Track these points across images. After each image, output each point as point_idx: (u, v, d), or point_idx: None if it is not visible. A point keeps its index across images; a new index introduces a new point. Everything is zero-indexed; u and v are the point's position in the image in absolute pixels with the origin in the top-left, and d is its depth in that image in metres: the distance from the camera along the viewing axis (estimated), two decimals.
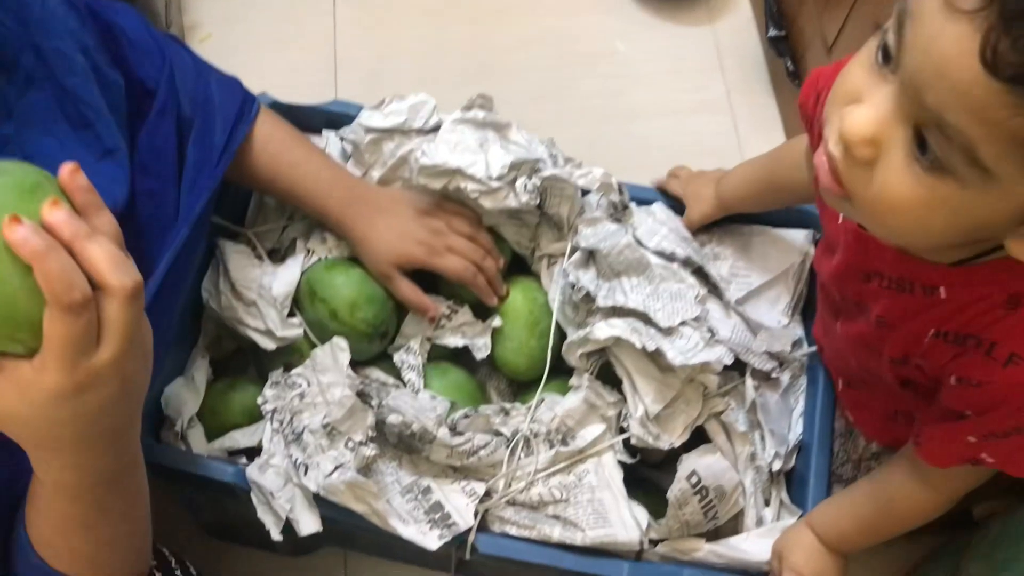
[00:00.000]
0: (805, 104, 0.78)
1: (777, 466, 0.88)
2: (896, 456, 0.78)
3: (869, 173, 0.55)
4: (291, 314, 0.91)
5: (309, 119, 0.99)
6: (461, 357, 0.97)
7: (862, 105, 0.55)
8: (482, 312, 0.95)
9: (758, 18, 1.47)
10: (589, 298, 0.87)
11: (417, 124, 0.93)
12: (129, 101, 0.75)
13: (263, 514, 0.81)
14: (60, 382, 0.46)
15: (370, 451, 0.80)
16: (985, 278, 0.62)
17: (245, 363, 0.96)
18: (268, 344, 0.90)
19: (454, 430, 0.85)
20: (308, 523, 0.80)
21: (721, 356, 0.84)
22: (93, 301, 0.46)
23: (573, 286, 0.88)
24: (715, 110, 1.40)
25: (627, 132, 1.36)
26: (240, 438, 0.87)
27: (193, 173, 0.80)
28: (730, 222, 1.02)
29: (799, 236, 1.01)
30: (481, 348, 0.93)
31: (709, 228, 1.02)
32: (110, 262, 0.47)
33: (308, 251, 0.93)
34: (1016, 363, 0.62)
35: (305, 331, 0.90)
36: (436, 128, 0.92)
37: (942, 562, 0.95)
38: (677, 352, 0.83)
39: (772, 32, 1.36)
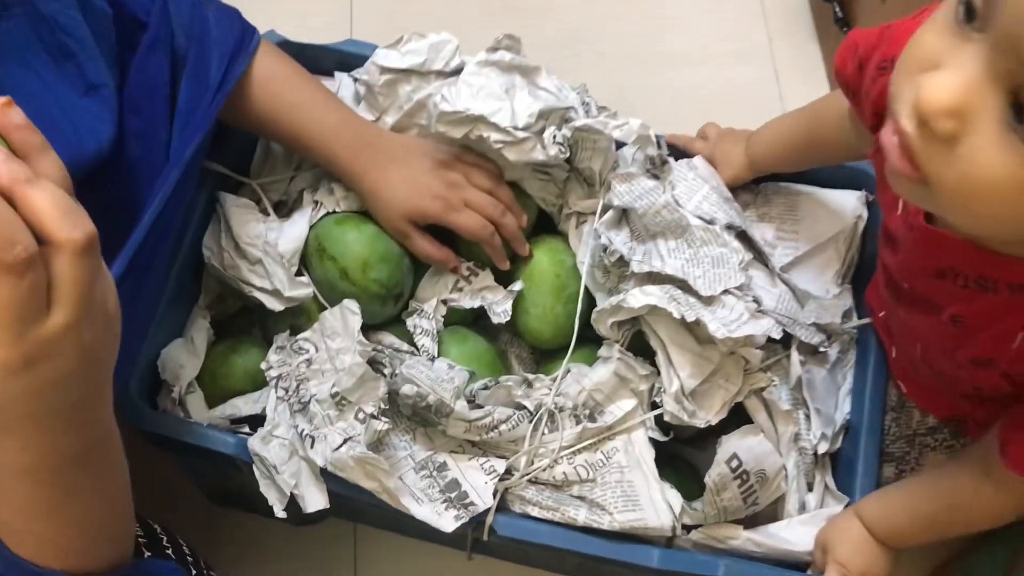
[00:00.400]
0: (843, 71, 0.70)
1: (823, 448, 0.81)
2: (965, 455, 0.71)
3: (951, 151, 0.47)
4: (299, 273, 0.84)
5: (320, 60, 0.91)
6: (480, 323, 0.90)
7: (942, 71, 0.47)
8: (505, 277, 0.87)
9: None
10: (622, 262, 0.80)
11: (437, 66, 0.84)
12: (118, 33, 0.68)
13: (266, 489, 0.75)
14: (6, 355, 0.40)
15: (382, 425, 0.73)
16: None
17: (249, 324, 0.90)
18: (275, 305, 0.83)
19: (473, 402, 0.78)
20: (314, 499, 0.74)
21: (768, 328, 0.76)
22: (39, 258, 0.40)
23: (605, 248, 0.80)
24: (755, 58, 1.31)
25: (661, 81, 1.27)
26: (243, 405, 0.81)
27: (186, 112, 0.73)
28: (775, 181, 0.94)
29: (851, 198, 0.92)
30: (500, 314, 0.86)
31: (751, 187, 0.95)
32: (57, 211, 0.40)
33: (316, 203, 0.86)
34: None
35: (315, 291, 0.84)
36: (458, 71, 0.84)
37: (995, 550, 0.88)
38: (719, 323, 0.75)
39: None
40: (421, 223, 0.84)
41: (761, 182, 0.95)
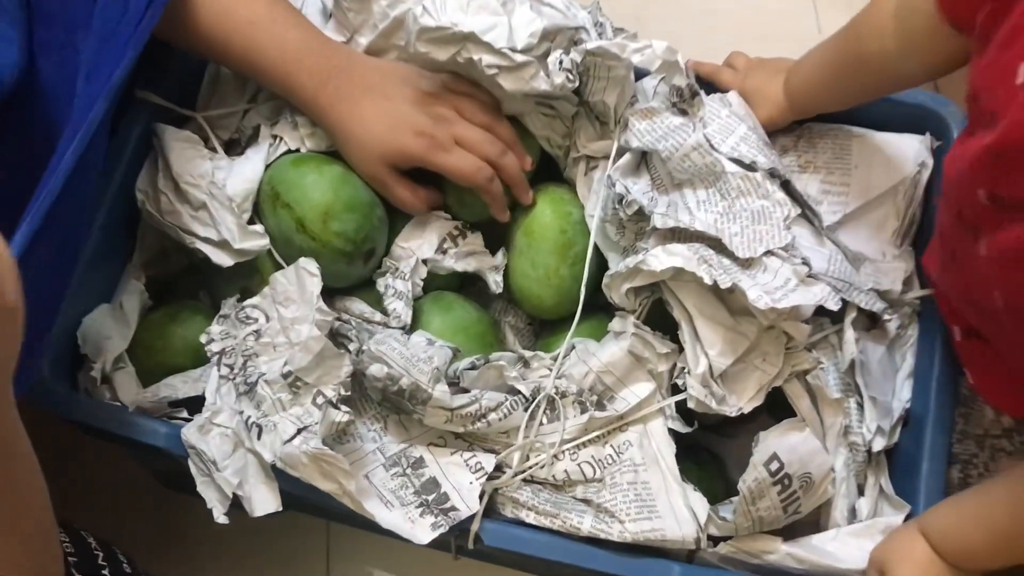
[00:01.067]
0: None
1: (879, 445, 0.67)
2: None
3: None
4: (252, 221, 0.70)
5: None
6: (466, 290, 0.76)
7: None
8: (500, 243, 0.73)
9: None
10: (641, 215, 0.66)
11: None
12: None
13: (204, 489, 0.62)
14: None
15: (341, 416, 0.60)
16: None
17: (195, 287, 0.76)
18: (223, 259, 0.69)
19: (457, 385, 0.64)
20: (263, 502, 0.61)
21: (823, 296, 0.62)
22: None
23: (621, 199, 0.66)
24: None
25: (686, 8, 1.12)
26: (182, 385, 0.67)
27: (106, 22, 0.60)
28: (821, 123, 0.79)
29: (912, 143, 0.77)
30: (493, 285, 0.72)
31: (792, 129, 0.79)
32: None
33: (275, 139, 0.71)
34: None
35: (271, 246, 0.70)
36: None
37: None
38: (760, 290, 0.61)
39: None
40: (402, 166, 0.70)
41: (803, 124, 0.80)
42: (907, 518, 0.65)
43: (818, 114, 0.78)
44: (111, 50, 0.60)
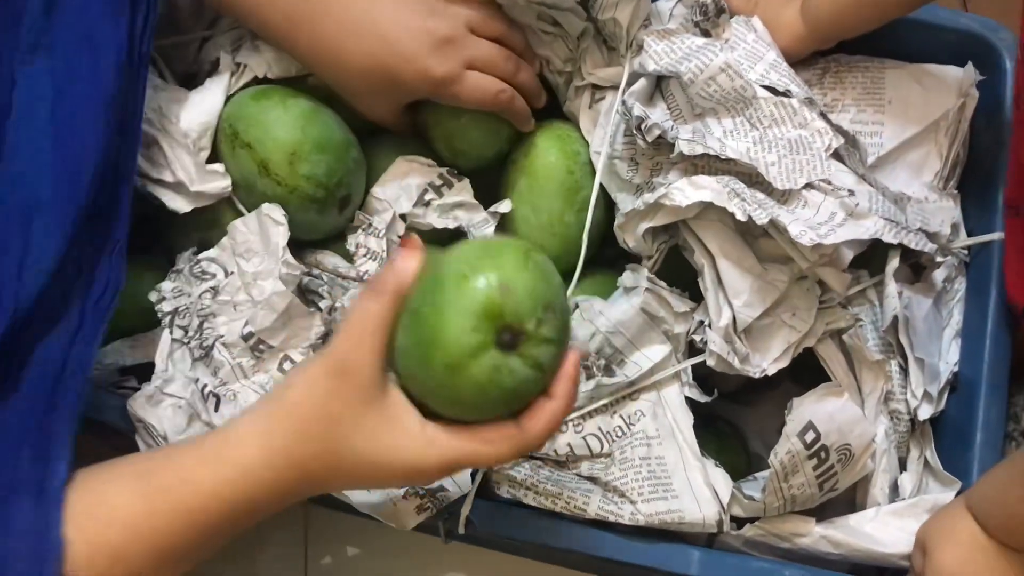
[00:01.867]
0: None
1: (925, 413, 0.59)
2: None
3: None
4: (211, 160, 0.61)
5: None
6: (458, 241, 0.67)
7: None
8: (488, 194, 0.65)
9: None
10: (660, 145, 0.57)
11: None
12: None
13: None
14: None
15: None
16: None
17: (147, 240, 0.67)
18: (179, 204, 0.59)
19: None
20: None
21: (876, 230, 0.54)
22: None
23: (640, 124, 0.57)
24: None
25: None
26: (128, 350, 0.59)
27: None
28: (849, 53, 0.70)
29: (954, 72, 0.69)
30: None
31: (816, 61, 0.70)
32: None
33: (237, 67, 0.62)
34: None
35: (233, 187, 0.61)
36: None
37: None
38: (804, 226, 0.53)
39: None
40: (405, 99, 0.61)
41: (828, 56, 0.71)
42: (958, 495, 0.58)
43: (842, 40, 0.70)
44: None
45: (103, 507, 0.41)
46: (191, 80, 0.65)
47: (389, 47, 0.58)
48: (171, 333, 0.57)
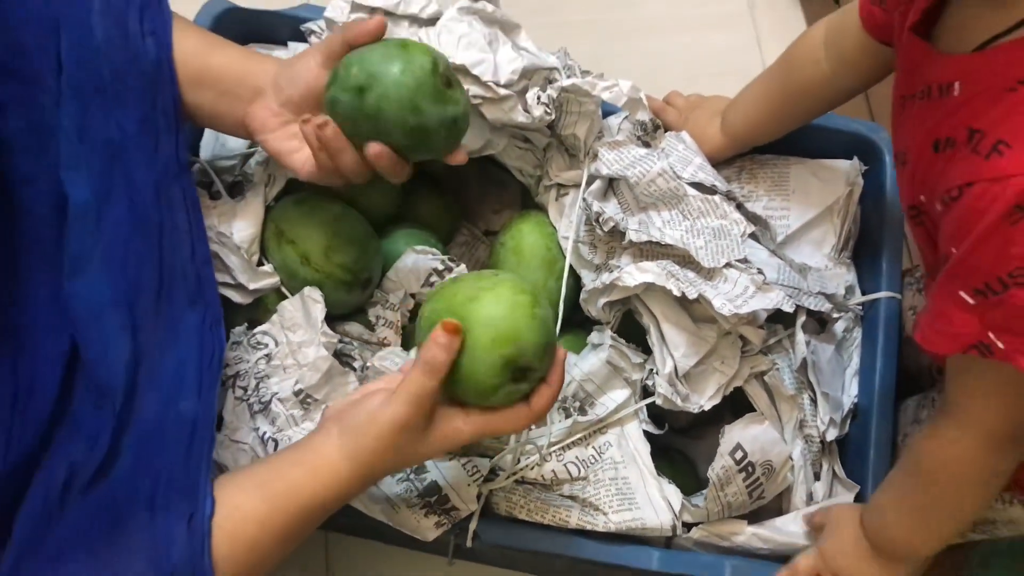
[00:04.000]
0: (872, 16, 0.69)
1: (831, 435, 0.75)
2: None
3: None
4: (260, 262, 0.76)
5: (275, 27, 0.84)
6: None
7: None
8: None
9: None
10: (617, 232, 0.73)
11: (412, 9, 0.76)
12: None
13: None
14: None
15: None
16: (1000, 60, 0.52)
17: None
18: (240, 299, 0.74)
19: None
20: None
21: (779, 300, 0.70)
22: None
23: (598, 217, 0.73)
24: (736, 25, 1.25)
25: (640, 49, 1.21)
26: None
27: (77, 72, 0.60)
28: (760, 153, 0.88)
29: (843, 165, 0.87)
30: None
31: (733, 162, 0.88)
32: None
33: (270, 178, 0.78)
34: (999, 152, 0.50)
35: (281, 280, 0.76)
36: (433, 20, 0.76)
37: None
38: (724, 300, 0.69)
39: None
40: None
41: (744, 156, 0.89)
42: (857, 498, 0.73)
43: (755, 146, 0.87)
44: (108, 105, 0.61)
45: (236, 511, 0.56)
46: (237, 188, 0.81)
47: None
48: (233, 392, 0.71)
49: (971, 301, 0.52)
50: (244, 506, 0.57)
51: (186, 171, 0.68)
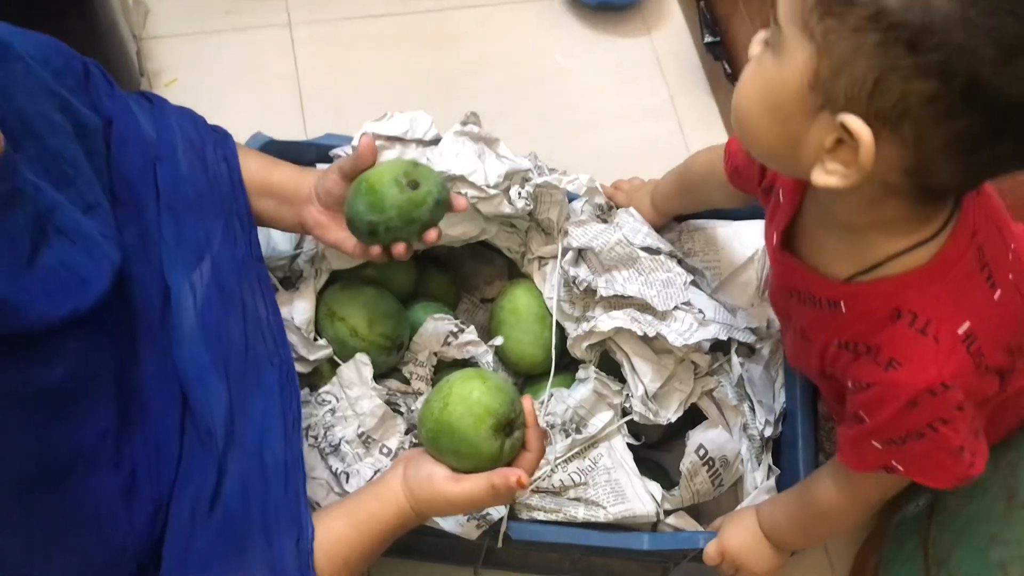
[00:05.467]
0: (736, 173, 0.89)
1: (769, 433, 0.97)
2: (825, 466, 0.84)
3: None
4: (315, 338, 0.96)
5: (303, 152, 1.05)
6: (465, 364, 1.04)
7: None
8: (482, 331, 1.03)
9: (691, 25, 1.57)
10: (590, 291, 0.95)
11: (418, 135, 0.99)
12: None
13: None
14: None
15: None
16: (872, 292, 0.69)
17: None
18: (302, 368, 0.94)
19: None
20: None
21: (715, 333, 0.93)
22: None
23: (574, 280, 0.96)
24: (661, 115, 1.50)
25: (582, 141, 1.44)
26: None
27: (172, 195, 0.78)
28: (695, 219, 1.12)
29: (757, 226, 1.10)
30: (485, 364, 1.00)
31: (673, 227, 1.12)
32: None
33: (316, 271, 0.99)
34: (895, 367, 0.68)
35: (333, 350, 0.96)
36: (434, 141, 0.99)
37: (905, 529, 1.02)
38: (676, 335, 0.91)
39: (708, 38, 1.47)
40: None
41: (682, 222, 1.12)
42: (786, 483, 0.95)
43: (677, 215, 1.10)
44: (195, 216, 0.80)
45: (331, 534, 0.74)
46: (287, 281, 1.01)
47: None
48: (306, 441, 0.91)
49: (880, 447, 0.72)
50: (337, 531, 0.75)
51: (259, 261, 0.87)
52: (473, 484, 0.75)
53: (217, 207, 0.84)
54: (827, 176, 0.59)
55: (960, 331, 0.67)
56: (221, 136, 0.89)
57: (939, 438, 0.69)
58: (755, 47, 0.62)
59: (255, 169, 0.90)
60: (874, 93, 0.54)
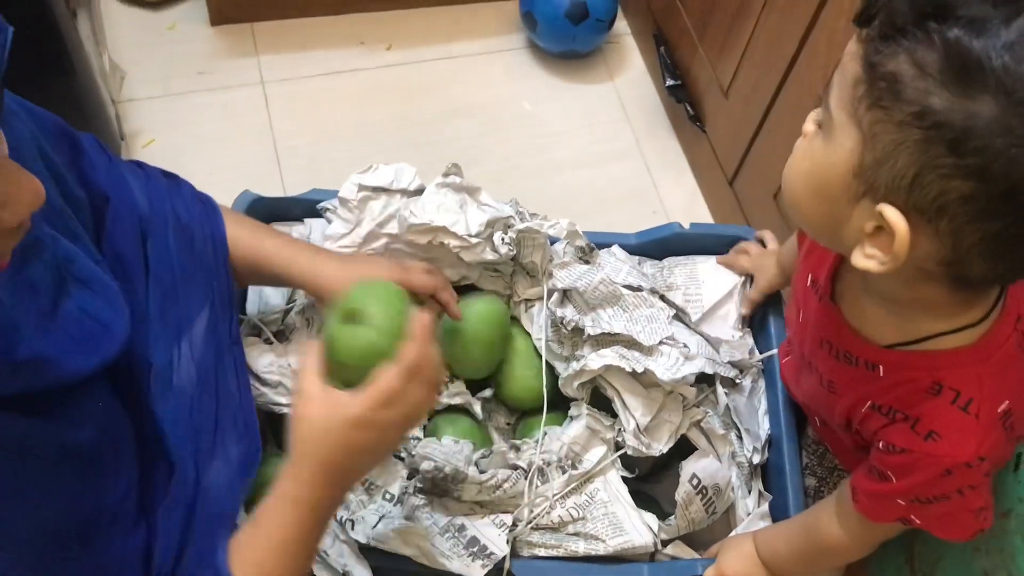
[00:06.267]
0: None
1: (757, 459, 1.01)
2: (830, 496, 0.86)
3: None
4: None
5: (290, 208, 1.07)
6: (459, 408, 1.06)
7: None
8: (478, 384, 1.06)
9: (652, 70, 1.64)
10: (577, 330, 0.99)
11: (402, 185, 1.02)
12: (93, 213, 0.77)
13: (320, 571, 0.88)
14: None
15: (419, 500, 0.88)
16: (914, 363, 0.71)
17: (263, 439, 1.03)
18: None
19: (478, 468, 0.94)
20: (361, 573, 0.87)
21: (701, 366, 0.96)
22: None
23: (562, 320, 0.99)
24: (628, 157, 1.55)
25: (554, 185, 1.49)
26: None
27: (160, 272, 0.79)
28: (676, 257, 1.16)
29: None
30: (477, 412, 1.03)
31: (656, 265, 1.16)
32: None
33: (308, 321, 1.01)
34: (935, 439, 0.70)
35: None
36: (418, 191, 1.02)
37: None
38: (663, 369, 0.95)
39: (669, 82, 1.53)
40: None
41: (667, 258, 1.16)
42: (777, 507, 0.98)
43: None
44: (179, 295, 0.80)
45: (234, 543, 0.71)
46: (280, 335, 1.03)
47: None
48: None
49: (904, 504, 0.74)
50: (238, 538, 0.71)
51: (237, 343, 0.88)
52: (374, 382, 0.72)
53: (201, 288, 0.85)
54: (866, 260, 0.61)
55: (1000, 409, 0.69)
56: (210, 210, 0.90)
57: (964, 501, 0.72)
58: (809, 124, 0.63)
59: (245, 245, 0.91)
60: (913, 187, 0.56)
